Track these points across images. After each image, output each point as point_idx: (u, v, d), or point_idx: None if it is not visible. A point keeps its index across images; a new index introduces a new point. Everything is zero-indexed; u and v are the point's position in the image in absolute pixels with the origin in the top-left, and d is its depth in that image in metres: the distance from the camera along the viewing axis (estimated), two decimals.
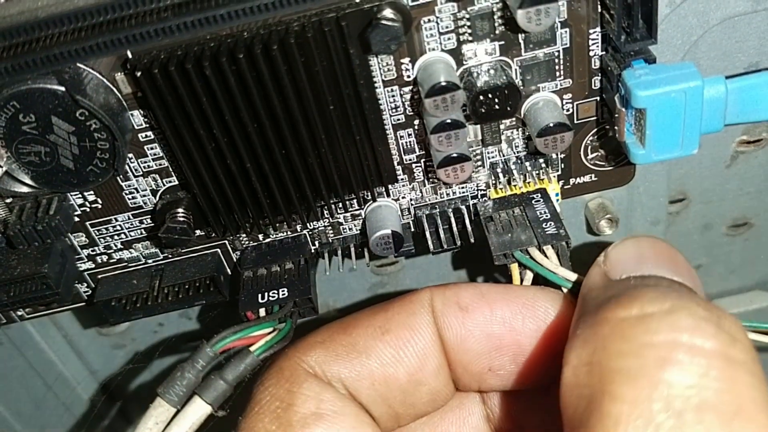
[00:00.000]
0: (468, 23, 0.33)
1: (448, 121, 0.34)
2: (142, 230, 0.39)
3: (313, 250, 0.41)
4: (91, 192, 0.37)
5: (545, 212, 0.37)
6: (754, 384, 0.22)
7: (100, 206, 0.38)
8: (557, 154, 0.39)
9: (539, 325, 0.30)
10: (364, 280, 0.50)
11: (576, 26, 0.34)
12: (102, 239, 0.39)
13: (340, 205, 0.39)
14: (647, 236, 0.29)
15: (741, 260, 0.52)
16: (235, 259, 0.41)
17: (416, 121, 0.36)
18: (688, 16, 0.37)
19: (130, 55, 0.32)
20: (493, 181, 0.39)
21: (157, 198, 0.38)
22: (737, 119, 0.34)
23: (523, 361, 0.31)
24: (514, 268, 0.35)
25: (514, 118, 0.37)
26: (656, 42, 0.32)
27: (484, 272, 0.49)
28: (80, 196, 0.37)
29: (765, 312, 0.53)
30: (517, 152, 0.38)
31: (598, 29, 0.34)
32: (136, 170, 0.36)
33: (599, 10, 0.33)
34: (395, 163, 0.38)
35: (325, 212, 0.39)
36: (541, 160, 0.39)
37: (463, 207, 0.40)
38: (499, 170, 0.39)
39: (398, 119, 0.36)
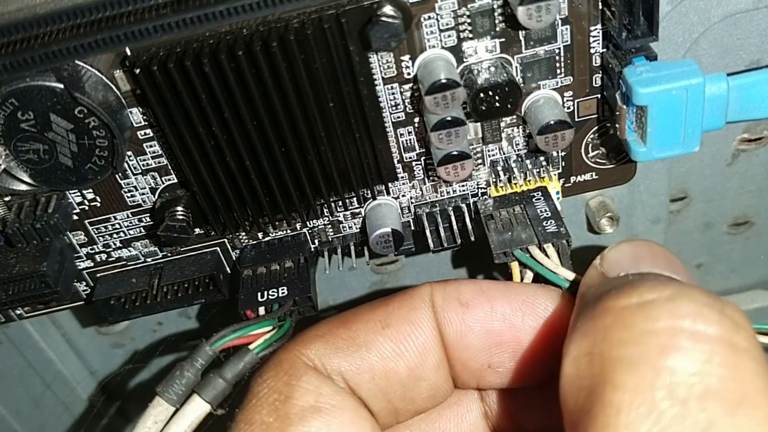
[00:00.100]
0: (468, 20, 0.33)
1: (449, 118, 0.34)
2: (141, 228, 0.39)
3: (312, 249, 0.41)
4: (90, 190, 0.37)
5: (546, 210, 0.37)
6: (759, 371, 0.22)
7: (99, 204, 0.38)
8: (558, 152, 0.39)
9: (539, 323, 0.30)
10: (364, 278, 0.50)
11: (577, 23, 0.34)
12: (101, 237, 0.39)
13: (340, 203, 0.39)
14: (643, 239, 0.29)
15: (742, 259, 0.52)
16: (234, 258, 0.41)
17: (416, 119, 0.36)
18: (690, 13, 0.37)
19: (128, 53, 0.32)
20: (494, 179, 0.39)
21: (156, 196, 0.37)
22: (739, 117, 0.34)
23: (522, 358, 0.31)
24: (515, 267, 0.35)
25: (514, 116, 0.37)
26: (657, 39, 0.32)
27: (484, 271, 0.49)
28: (79, 194, 0.37)
29: (766, 311, 0.53)
30: (518, 150, 0.38)
31: (599, 26, 0.34)
32: (135, 168, 0.36)
33: (600, 7, 0.33)
34: (395, 161, 0.38)
35: (325, 210, 0.39)
36: (542, 158, 0.39)
37: (463, 205, 0.40)
38: (499, 168, 0.39)
39: (398, 117, 0.36)
